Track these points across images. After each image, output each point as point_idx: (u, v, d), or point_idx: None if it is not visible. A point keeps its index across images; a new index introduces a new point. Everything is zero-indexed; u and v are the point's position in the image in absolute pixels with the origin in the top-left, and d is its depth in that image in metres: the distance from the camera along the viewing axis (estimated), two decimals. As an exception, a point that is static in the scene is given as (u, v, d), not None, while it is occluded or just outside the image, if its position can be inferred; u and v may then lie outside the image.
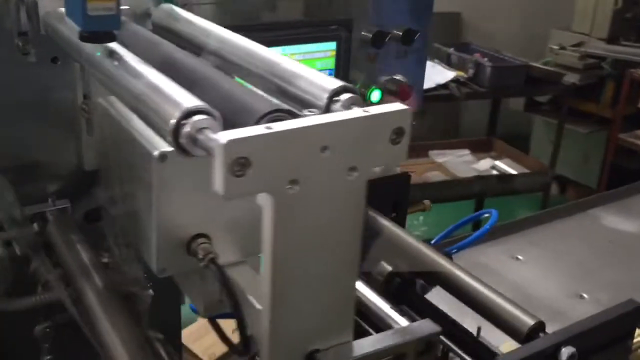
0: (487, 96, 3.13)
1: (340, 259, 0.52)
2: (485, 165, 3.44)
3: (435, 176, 3.22)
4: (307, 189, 0.47)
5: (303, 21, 1.07)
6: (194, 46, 0.71)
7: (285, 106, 0.52)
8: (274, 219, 0.47)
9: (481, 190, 3.12)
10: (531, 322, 0.79)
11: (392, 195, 1.18)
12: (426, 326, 0.55)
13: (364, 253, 0.99)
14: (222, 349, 2.45)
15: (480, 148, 3.65)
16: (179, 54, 0.65)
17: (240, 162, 0.43)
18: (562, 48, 4.24)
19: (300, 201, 0.47)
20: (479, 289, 0.84)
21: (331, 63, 1.11)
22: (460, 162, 3.48)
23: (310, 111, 0.51)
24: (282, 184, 0.46)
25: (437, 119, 4.61)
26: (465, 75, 2.94)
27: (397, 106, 0.51)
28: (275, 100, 0.55)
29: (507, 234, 1.88)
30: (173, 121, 0.49)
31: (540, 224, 1.94)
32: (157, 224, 0.59)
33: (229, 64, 0.66)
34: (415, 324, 0.56)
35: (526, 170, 3.33)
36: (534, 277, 1.67)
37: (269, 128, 0.44)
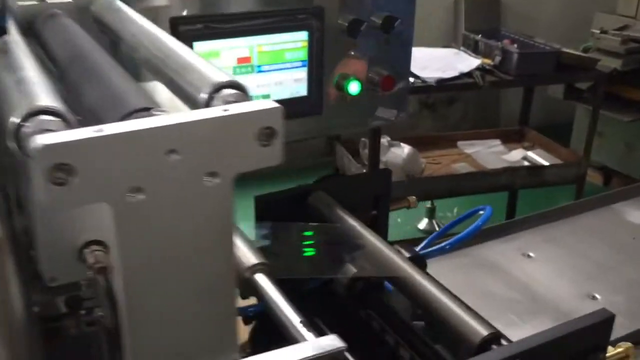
0: (513, 84, 3.01)
1: (209, 270, 0.47)
2: (516, 156, 3.32)
3: (462, 168, 3.12)
4: (155, 197, 0.43)
5: (271, 10, 1.02)
6: (117, 38, 0.68)
7: (157, 105, 0.47)
8: (118, 231, 0.43)
9: (509, 182, 3.00)
10: (485, 332, 0.73)
11: (372, 192, 1.13)
12: (329, 343, 0.49)
13: (331, 257, 0.95)
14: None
15: (512, 138, 3.52)
16: (88, 47, 0.61)
17: (61, 168, 0.39)
18: (604, 32, 4.04)
19: (147, 211, 0.43)
20: (436, 296, 0.78)
21: (303, 54, 1.06)
22: (490, 153, 3.36)
23: (158, 111, 0.47)
24: (121, 192, 0.42)
25: (472, 108, 4.48)
26: (492, 63, 2.82)
27: (264, 104, 0.45)
28: (156, 99, 0.51)
29: (520, 229, 1.79)
30: (15, 121, 0.45)
31: (557, 220, 1.84)
32: (42, 229, 0.55)
33: (139, 57, 0.63)
34: (321, 339, 0.51)
35: (559, 162, 3.19)
36: (544, 275, 1.58)
37: (99, 131, 0.40)
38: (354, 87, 1.10)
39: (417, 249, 1.30)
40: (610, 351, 0.81)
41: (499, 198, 3.81)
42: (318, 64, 1.06)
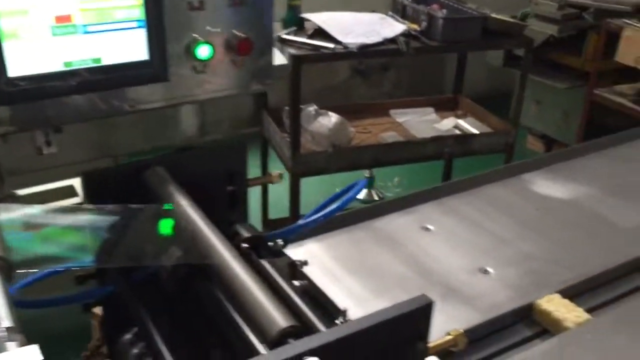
0: (438, 51, 2.93)
1: None
2: (448, 124, 3.27)
3: (391, 137, 3.06)
4: None
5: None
6: None
7: None
8: None
9: (437, 151, 2.95)
10: (283, 325, 0.65)
11: (227, 167, 1.04)
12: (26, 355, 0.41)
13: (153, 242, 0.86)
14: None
15: (447, 107, 3.47)
16: None
17: None
18: (542, -3, 3.99)
19: None
20: (244, 285, 0.70)
21: (139, 13, 0.95)
22: (422, 122, 3.31)
23: None
24: None
25: (407, 75, 4.40)
26: (418, 29, 2.73)
27: None
28: None
29: (422, 201, 1.73)
30: None
31: (462, 191, 1.78)
32: None
33: None
34: (19, 350, 0.43)
35: (490, 130, 3.16)
36: (439, 249, 1.53)
37: None
38: (203, 52, 1.00)
39: (300, 222, 1.23)
40: (437, 340, 0.74)
41: (436, 167, 3.79)
42: (158, 25, 0.95)
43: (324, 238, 1.56)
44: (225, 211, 1.00)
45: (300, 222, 1.17)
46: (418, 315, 0.68)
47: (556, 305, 1.28)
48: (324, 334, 0.63)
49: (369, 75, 3.78)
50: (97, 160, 1.22)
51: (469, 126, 3.21)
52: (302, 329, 0.66)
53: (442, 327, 1.25)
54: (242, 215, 1.08)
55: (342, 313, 1.24)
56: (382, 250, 1.53)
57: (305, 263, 1.22)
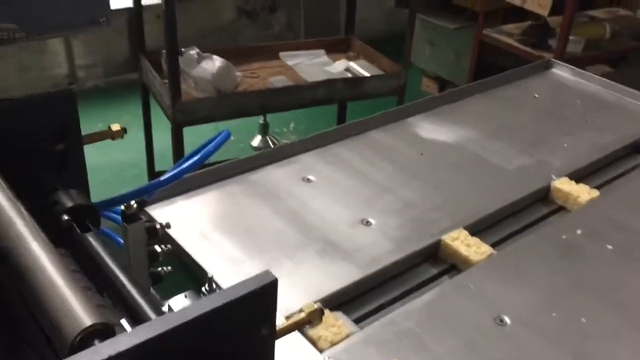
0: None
1: None
2: (339, 67, 3.16)
3: (279, 81, 2.91)
4: None
5: None
6: None
7: None
8: None
9: (327, 95, 2.85)
10: (85, 323, 0.52)
11: (54, 120, 0.87)
12: None
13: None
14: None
15: (338, 49, 3.35)
16: None
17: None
18: None
19: None
20: (39, 273, 0.56)
21: None
22: (313, 65, 3.18)
23: None
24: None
25: (297, 15, 4.23)
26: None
27: None
28: None
29: (303, 151, 1.63)
30: None
31: (345, 138, 1.69)
32: None
33: None
34: None
35: (381, 72, 3.08)
36: (320, 202, 1.44)
37: None
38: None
39: (162, 178, 1.08)
40: (287, 321, 0.65)
41: (332, 111, 3.70)
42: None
43: (193, 195, 1.43)
44: (52, 176, 0.84)
45: (154, 181, 1.03)
46: (257, 298, 0.57)
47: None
48: (137, 332, 0.50)
49: (256, 16, 3.57)
50: None
51: (360, 69, 3.12)
52: (107, 329, 0.53)
53: (321, 287, 1.18)
54: (80, 179, 0.93)
55: (209, 280, 1.13)
56: (259, 205, 1.42)
57: (167, 226, 1.08)
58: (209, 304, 0.55)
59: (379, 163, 1.60)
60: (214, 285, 1.11)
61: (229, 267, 1.22)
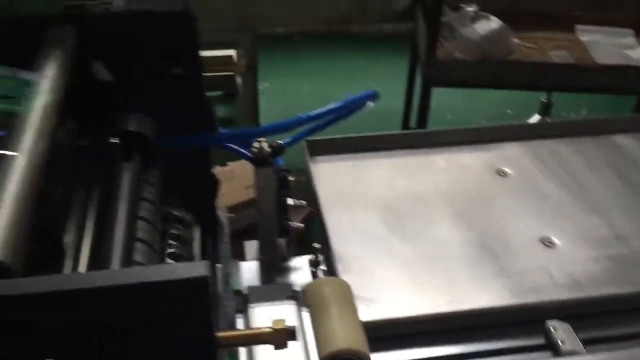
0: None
1: None
2: (644, 52, 2.61)
3: (559, 56, 2.52)
4: None
5: None
6: None
7: None
8: None
9: (611, 83, 2.37)
10: None
11: (168, 40, 0.83)
12: None
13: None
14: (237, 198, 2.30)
15: (652, 30, 2.77)
16: None
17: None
18: None
19: None
20: None
21: None
22: (612, 45, 2.68)
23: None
24: None
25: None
26: None
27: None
28: None
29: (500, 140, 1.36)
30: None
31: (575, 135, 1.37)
32: None
33: None
34: None
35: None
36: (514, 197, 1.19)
37: None
38: None
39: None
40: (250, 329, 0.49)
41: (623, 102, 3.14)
42: None
43: (360, 158, 1.29)
44: (165, 99, 0.81)
45: (280, 121, 0.94)
46: (172, 290, 0.44)
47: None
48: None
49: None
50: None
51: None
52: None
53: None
54: (202, 111, 0.88)
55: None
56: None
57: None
58: (96, 279, 0.44)
59: (605, 172, 1.26)
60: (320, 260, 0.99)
61: (358, 246, 1.08)
